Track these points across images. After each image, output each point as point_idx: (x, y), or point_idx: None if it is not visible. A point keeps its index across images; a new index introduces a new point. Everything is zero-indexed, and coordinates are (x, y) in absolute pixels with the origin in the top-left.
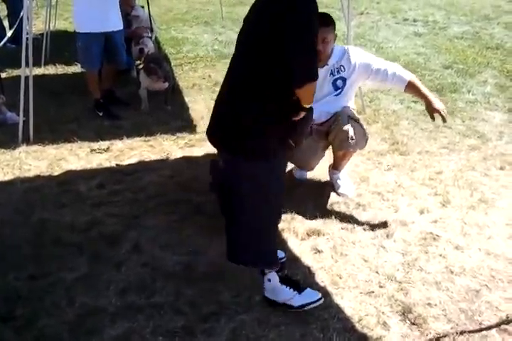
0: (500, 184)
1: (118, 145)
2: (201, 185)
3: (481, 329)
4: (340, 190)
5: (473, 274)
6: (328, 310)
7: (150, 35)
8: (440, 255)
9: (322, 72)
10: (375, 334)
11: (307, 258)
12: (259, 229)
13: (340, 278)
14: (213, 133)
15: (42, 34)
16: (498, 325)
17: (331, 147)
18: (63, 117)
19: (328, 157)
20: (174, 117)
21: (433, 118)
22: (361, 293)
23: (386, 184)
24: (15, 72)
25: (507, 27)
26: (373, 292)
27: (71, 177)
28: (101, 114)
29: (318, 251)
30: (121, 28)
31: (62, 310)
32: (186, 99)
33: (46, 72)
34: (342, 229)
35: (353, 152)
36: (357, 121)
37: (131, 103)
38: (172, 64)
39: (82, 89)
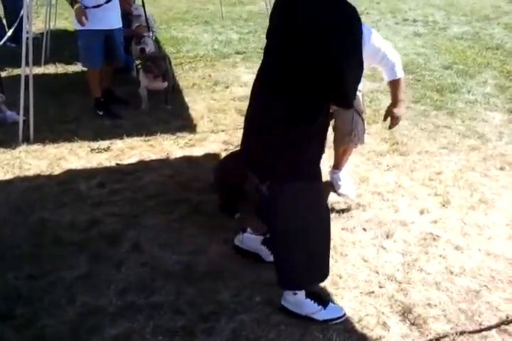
0: (500, 184)
1: (118, 144)
2: (201, 184)
3: (480, 330)
4: (340, 190)
5: (473, 275)
6: None
7: (149, 34)
8: (440, 255)
9: None
10: (375, 334)
11: None
12: (312, 251)
13: (340, 278)
14: (252, 158)
15: (42, 33)
16: (497, 326)
17: (330, 146)
18: (63, 116)
19: (327, 158)
20: (174, 117)
21: (385, 119)
22: (361, 293)
23: (386, 184)
24: (15, 71)
25: (507, 27)
26: (373, 292)
27: (71, 176)
28: (101, 113)
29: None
30: (121, 26)
31: (62, 310)
32: (186, 99)
33: (46, 71)
34: (342, 229)
35: (353, 147)
36: (360, 114)
37: (131, 102)
38: (172, 63)
39: (82, 88)
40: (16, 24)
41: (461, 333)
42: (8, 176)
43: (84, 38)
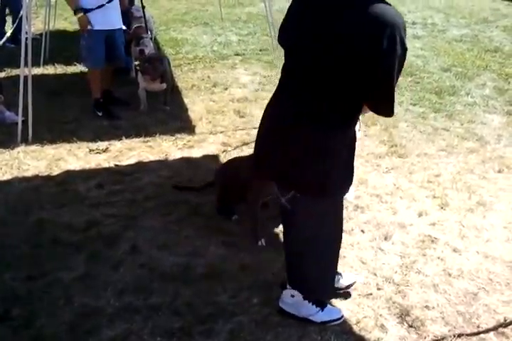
0: (498, 187)
1: (117, 145)
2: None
3: (478, 332)
4: None
5: (471, 277)
6: None
7: (149, 35)
8: (438, 257)
9: None
10: (373, 336)
11: None
12: (329, 262)
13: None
14: (272, 168)
15: (41, 34)
16: (495, 328)
17: None
18: (62, 117)
19: None
20: (173, 118)
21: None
22: (359, 295)
23: (385, 186)
24: (14, 72)
25: (506, 30)
26: (371, 294)
27: (69, 177)
28: (100, 114)
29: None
30: (122, 26)
31: (60, 311)
32: (185, 100)
33: (45, 72)
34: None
35: None
36: None
37: (130, 103)
38: (171, 65)
39: (81, 89)
40: (15, 25)
41: (459, 335)
42: (7, 177)
43: (87, 39)
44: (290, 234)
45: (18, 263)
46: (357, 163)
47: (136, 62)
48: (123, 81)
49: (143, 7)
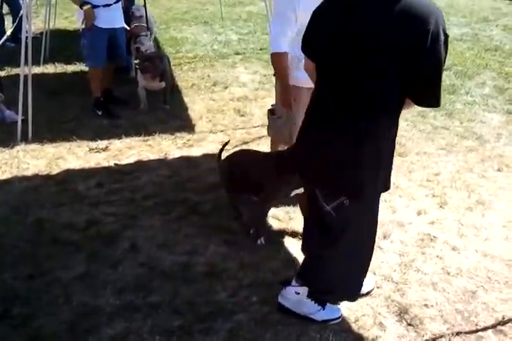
0: (497, 186)
1: (116, 144)
2: (199, 184)
3: (477, 330)
4: None
5: (469, 275)
6: None
7: (147, 33)
8: (437, 256)
9: None
10: (372, 334)
11: None
12: (363, 266)
13: None
14: (314, 172)
15: (41, 33)
16: (494, 326)
17: None
18: (62, 116)
19: None
20: (173, 117)
21: None
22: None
23: None
24: (14, 71)
25: (506, 29)
26: (370, 292)
27: (69, 176)
28: (100, 113)
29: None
30: (123, 25)
31: (59, 310)
32: (185, 99)
33: (45, 71)
34: None
35: None
36: None
37: (130, 102)
38: (171, 63)
39: (81, 88)
40: (15, 24)
41: (458, 333)
42: (6, 176)
43: (88, 37)
44: (325, 237)
45: (17, 262)
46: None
47: (136, 61)
48: (123, 80)
49: (145, 6)
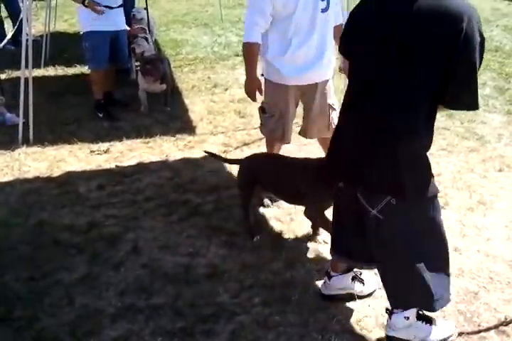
0: (498, 186)
1: (117, 146)
2: (200, 186)
3: (479, 331)
4: None
5: (471, 276)
6: (327, 312)
7: (145, 35)
8: None
9: None
10: (374, 335)
11: (306, 259)
12: (440, 266)
13: None
14: (356, 175)
15: (42, 35)
16: (496, 327)
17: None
18: (63, 118)
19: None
20: (173, 119)
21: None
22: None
23: None
24: (15, 74)
25: (506, 29)
26: (372, 293)
27: (70, 178)
28: (101, 115)
29: (318, 253)
30: (125, 27)
31: (61, 311)
32: (186, 101)
33: (46, 74)
34: None
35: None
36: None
37: (130, 104)
38: (171, 66)
39: (81, 90)
40: (15, 27)
41: (460, 334)
42: (8, 178)
43: (90, 40)
44: (386, 249)
45: (19, 265)
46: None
47: (137, 63)
48: (123, 82)
49: (146, 8)
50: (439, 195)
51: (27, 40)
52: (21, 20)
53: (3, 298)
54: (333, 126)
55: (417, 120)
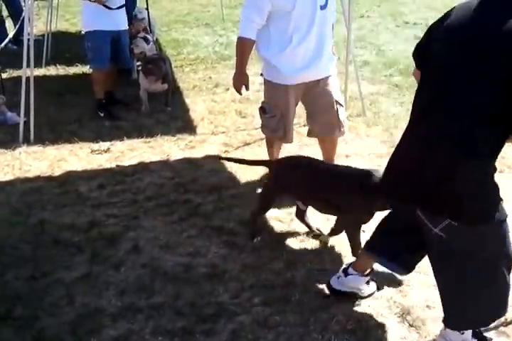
0: (499, 187)
1: (118, 146)
2: (201, 186)
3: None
4: None
5: None
6: (327, 312)
7: (146, 35)
8: None
9: None
10: (374, 335)
11: (307, 259)
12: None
13: None
14: (411, 192)
15: (43, 35)
16: (496, 328)
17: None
18: (64, 118)
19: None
20: (174, 118)
21: None
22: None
23: None
24: (16, 73)
25: None
26: (372, 294)
27: (71, 177)
28: (102, 115)
29: (319, 253)
30: (127, 27)
31: (61, 311)
32: (187, 101)
33: (47, 73)
34: None
35: (338, 137)
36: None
37: (131, 104)
38: (173, 65)
39: (83, 90)
40: (17, 26)
41: None
42: (8, 177)
43: (93, 39)
44: (450, 269)
45: (20, 264)
46: (358, 163)
47: (138, 63)
48: (125, 82)
49: (147, 8)
50: None
51: (28, 40)
52: (23, 19)
53: (4, 297)
54: (343, 124)
55: (480, 138)
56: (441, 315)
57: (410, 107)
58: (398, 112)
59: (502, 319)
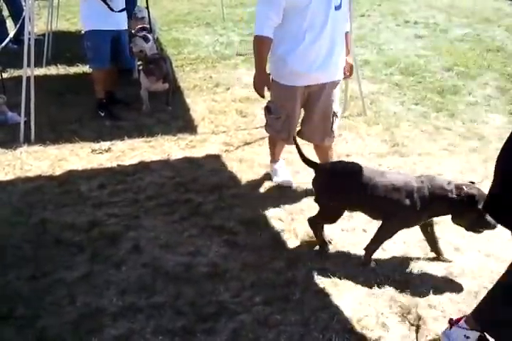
0: None
1: (119, 145)
2: (202, 185)
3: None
4: None
5: (472, 276)
6: (328, 311)
7: (144, 34)
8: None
9: None
10: (375, 335)
11: (308, 259)
12: None
13: (340, 279)
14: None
15: (44, 35)
16: None
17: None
18: (65, 117)
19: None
20: (175, 118)
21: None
22: (361, 293)
23: None
24: (16, 72)
25: (508, 29)
26: (373, 293)
27: (72, 177)
28: (102, 115)
29: (320, 252)
30: (127, 27)
31: (62, 310)
32: (187, 100)
33: (48, 73)
34: (342, 230)
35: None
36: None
37: (132, 104)
38: (173, 65)
39: (83, 89)
40: (18, 26)
41: None
42: (9, 177)
43: (92, 39)
44: None
45: (21, 263)
46: (359, 162)
47: (139, 63)
48: (125, 81)
49: (147, 8)
50: None
51: (29, 39)
52: (23, 19)
53: (5, 296)
54: (334, 135)
55: None
56: (442, 314)
57: (411, 106)
58: (399, 111)
59: None
